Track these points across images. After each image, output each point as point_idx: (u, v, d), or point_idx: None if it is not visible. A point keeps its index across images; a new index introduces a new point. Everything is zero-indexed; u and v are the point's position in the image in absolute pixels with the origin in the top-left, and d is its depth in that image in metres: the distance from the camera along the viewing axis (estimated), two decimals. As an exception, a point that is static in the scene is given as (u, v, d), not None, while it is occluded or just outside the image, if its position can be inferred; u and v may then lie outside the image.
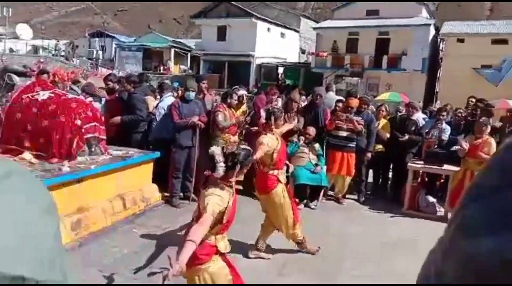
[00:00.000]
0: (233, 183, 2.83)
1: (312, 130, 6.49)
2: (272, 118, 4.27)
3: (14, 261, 0.47)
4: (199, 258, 2.67)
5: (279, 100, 8.36)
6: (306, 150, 6.39)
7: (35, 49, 33.71)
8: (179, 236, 4.68)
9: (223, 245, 2.82)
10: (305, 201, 6.34)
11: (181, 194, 6.24)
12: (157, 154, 5.97)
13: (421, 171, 6.82)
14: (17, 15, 55.82)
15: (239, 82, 23.32)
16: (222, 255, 2.84)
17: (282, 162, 4.45)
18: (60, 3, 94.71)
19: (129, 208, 5.39)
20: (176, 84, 15.92)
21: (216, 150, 2.72)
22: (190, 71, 35.26)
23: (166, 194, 6.19)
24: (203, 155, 6.68)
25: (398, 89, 20.05)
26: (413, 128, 6.90)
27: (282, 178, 4.39)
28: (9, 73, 5.27)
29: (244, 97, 6.89)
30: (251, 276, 3.92)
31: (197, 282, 2.72)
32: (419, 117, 7.54)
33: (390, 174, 7.56)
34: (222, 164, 2.64)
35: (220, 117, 6.13)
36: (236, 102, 6.41)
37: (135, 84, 6.77)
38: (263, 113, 4.41)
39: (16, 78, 5.38)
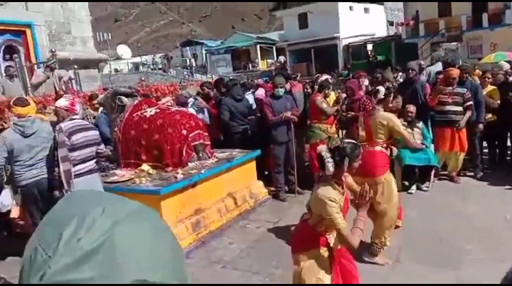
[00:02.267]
0: (344, 180, 2.82)
1: (412, 108, 6.16)
2: (392, 94, 4.26)
3: (149, 270, 0.71)
4: (305, 245, 2.79)
5: (365, 80, 8.08)
6: (408, 129, 6.08)
7: (136, 66, 36.73)
8: (290, 228, 4.82)
9: (333, 239, 2.84)
10: (416, 183, 6.05)
11: (286, 187, 6.37)
12: (258, 152, 6.17)
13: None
14: (115, 38, 61.34)
15: (327, 67, 23.02)
16: (330, 250, 2.85)
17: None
18: (150, 20, 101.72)
19: (240, 205, 5.67)
20: (265, 79, 16.24)
21: (322, 148, 2.74)
22: (277, 64, 35.55)
23: (271, 188, 6.38)
24: (299, 148, 6.78)
25: (505, 48, 18.00)
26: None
27: None
28: (119, 96, 5.81)
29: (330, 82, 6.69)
30: (367, 264, 3.89)
31: (300, 265, 2.79)
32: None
33: (509, 144, 6.88)
34: (331, 160, 2.64)
35: (324, 105, 6.09)
36: (328, 91, 6.30)
37: (224, 88, 7.06)
38: (382, 89, 4.31)
39: (125, 99, 5.92)
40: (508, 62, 9.01)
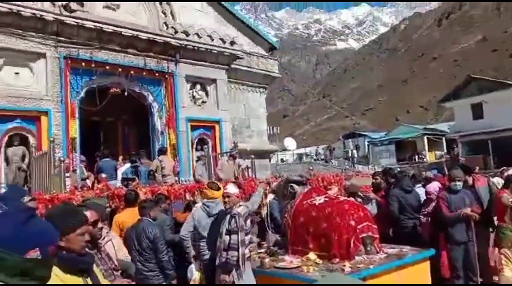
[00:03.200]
0: None
1: None
2: None
3: None
4: None
5: None
6: None
7: (300, 157, 38.73)
8: None
9: None
10: None
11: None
12: (432, 251, 5.66)
13: None
14: (283, 131, 66.49)
15: (509, 160, 20.42)
16: None
17: None
18: (315, 114, 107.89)
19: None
20: (434, 172, 15.24)
21: None
22: (447, 156, 33.20)
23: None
24: (482, 251, 5.97)
25: None
26: None
27: None
28: (291, 184, 6.18)
29: None
30: None
31: None
32: None
33: None
34: None
35: None
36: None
37: (392, 178, 6.86)
38: None
39: (296, 187, 6.24)
40: None
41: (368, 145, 39.06)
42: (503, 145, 26.98)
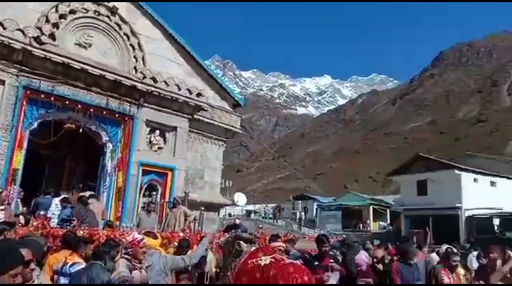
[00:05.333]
0: None
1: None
2: None
3: None
4: None
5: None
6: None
7: (248, 213, 38.43)
8: None
9: None
10: None
11: None
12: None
13: None
14: (235, 186, 66.27)
15: (446, 237, 21.39)
16: None
17: None
18: (269, 173, 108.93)
19: None
20: (376, 242, 15.68)
21: None
22: (390, 228, 34.19)
23: None
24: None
25: None
26: None
27: None
28: (239, 241, 6.16)
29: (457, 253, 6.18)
30: None
31: None
32: None
33: None
34: None
35: (446, 280, 5.64)
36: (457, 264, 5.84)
37: (346, 247, 6.96)
38: None
39: (243, 245, 6.20)
40: None
41: (316, 209, 39.57)
42: (443, 222, 28.28)
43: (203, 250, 5.72)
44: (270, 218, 36.64)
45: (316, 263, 6.76)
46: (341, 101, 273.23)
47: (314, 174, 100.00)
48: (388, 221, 36.22)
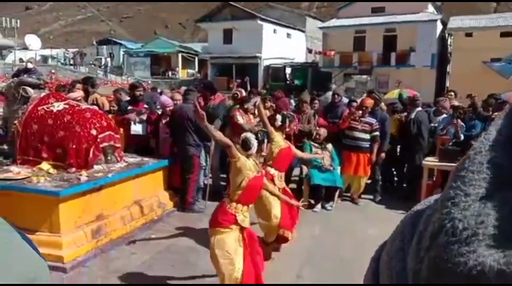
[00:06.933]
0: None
1: (323, 131, 6.45)
2: (287, 121, 4.41)
3: None
4: (218, 221, 3.15)
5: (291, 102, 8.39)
6: (319, 151, 6.37)
7: (44, 59, 34.10)
8: (196, 240, 4.74)
9: (242, 218, 3.18)
10: (321, 202, 6.33)
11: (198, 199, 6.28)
12: (166, 162, 5.97)
13: (436, 169, 6.76)
14: (25, 26, 56.55)
15: (250, 84, 23.55)
16: (242, 229, 3.21)
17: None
18: (67, 12, 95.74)
19: (147, 214, 5.44)
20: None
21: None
22: (198, 75, 35.43)
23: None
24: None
25: (407, 86, 19.91)
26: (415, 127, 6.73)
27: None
28: (24, 86, 5.33)
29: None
30: (269, 278, 3.94)
31: (211, 242, 3.15)
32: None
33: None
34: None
35: (240, 120, 6.12)
36: (253, 107, 6.34)
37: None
38: (278, 117, 4.51)
39: (30, 91, 5.43)
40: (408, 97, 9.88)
41: (123, 55, 37.53)
42: (245, 70, 30.66)
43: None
44: (71, 65, 33.37)
45: (130, 107, 6.57)
46: None
47: (120, 17, 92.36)
48: (196, 69, 37.24)
